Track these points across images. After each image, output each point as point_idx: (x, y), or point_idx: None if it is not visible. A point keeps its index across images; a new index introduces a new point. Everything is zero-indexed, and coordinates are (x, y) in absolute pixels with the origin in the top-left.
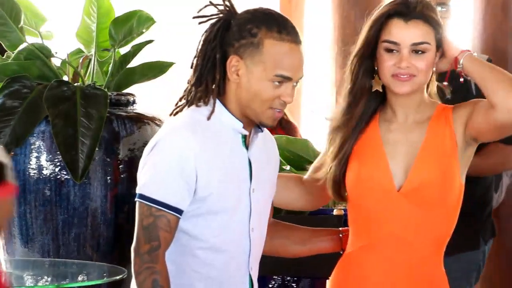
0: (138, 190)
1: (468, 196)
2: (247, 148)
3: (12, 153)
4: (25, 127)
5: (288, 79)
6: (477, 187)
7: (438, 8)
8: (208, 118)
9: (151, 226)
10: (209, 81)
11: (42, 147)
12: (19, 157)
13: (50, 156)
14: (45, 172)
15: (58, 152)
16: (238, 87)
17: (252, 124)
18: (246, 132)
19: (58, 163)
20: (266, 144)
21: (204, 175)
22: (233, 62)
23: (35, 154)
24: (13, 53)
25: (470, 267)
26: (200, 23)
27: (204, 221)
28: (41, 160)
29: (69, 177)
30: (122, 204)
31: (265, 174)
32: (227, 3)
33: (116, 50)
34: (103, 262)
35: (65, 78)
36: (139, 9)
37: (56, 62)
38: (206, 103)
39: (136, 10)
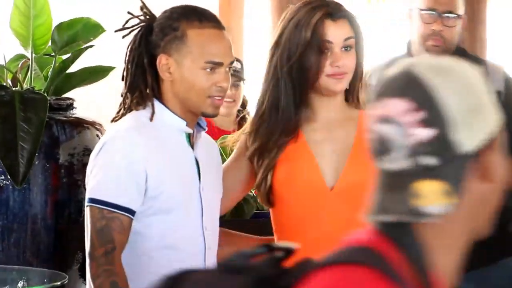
0: (88, 195)
1: None
2: (192, 147)
3: None
4: None
5: (219, 64)
6: None
7: (445, 16)
8: (151, 119)
9: (105, 229)
10: (142, 86)
11: None
12: None
13: None
14: None
15: None
16: (173, 84)
17: (195, 121)
18: (191, 130)
19: None
20: (209, 146)
21: (154, 174)
22: (162, 61)
23: None
24: None
25: None
26: (123, 36)
27: (157, 221)
28: None
29: (8, 183)
30: (62, 210)
31: (212, 174)
32: (145, 10)
33: (57, 56)
34: (43, 267)
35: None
36: (87, 17)
37: None
38: (144, 107)
39: (82, 17)
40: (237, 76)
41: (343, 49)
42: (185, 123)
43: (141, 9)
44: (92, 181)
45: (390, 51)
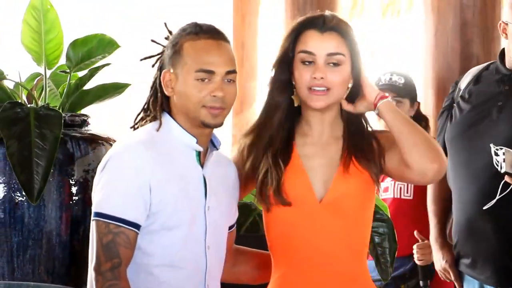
0: (94, 209)
1: None
2: (202, 165)
3: None
4: None
5: (210, 72)
6: None
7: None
8: (157, 130)
9: (111, 244)
10: (151, 102)
11: None
12: None
13: (4, 178)
14: None
15: (13, 174)
16: (176, 98)
17: (207, 139)
18: (200, 148)
19: (13, 185)
20: (223, 166)
21: (158, 190)
22: (166, 77)
23: None
24: None
25: None
26: (153, 65)
27: (158, 237)
28: None
29: (23, 199)
30: (77, 226)
31: (221, 194)
32: (168, 35)
33: (73, 73)
34: (58, 284)
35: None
36: (101, 33)
37: (10, 84)
38: (155, 121)
39: (97, 34)
40: None
41: (331, 64)
42: (195, 140)
43: (166, 38)
44: (98, 195)
45: (404, 65)
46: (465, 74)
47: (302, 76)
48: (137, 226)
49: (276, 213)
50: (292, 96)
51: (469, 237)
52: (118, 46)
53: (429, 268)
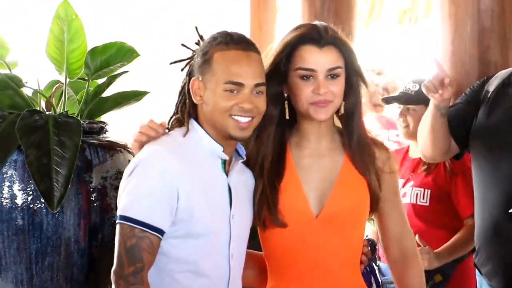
0: (119, 212)
1: None
2: (226, 174)
3: None
4: None
5: (239, 85)
6: None
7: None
8: (184, 136)
9: (135, 248)
10: (180, 108)
11: (14, 176)
12: None
13: (23, 185)
14: (17, 201)
15: (31, 181)
16: (204, 107)
17: (232, 148)
18: (226, 157)
19: (31, 192)
20: (246, 176)
21: (185, 197)
22: (194, 85)
23: (7, 184)
24: None
25: None
26: (182, 69)
27: (184, 244)
28: (14, 189)
29: (42, 206)
30: (95, 233)
31: (244, 203)
32: (199, 39)
33: (91, 80)
34: None
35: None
36: (120, 41)
37: (28, 92)
38: (183, 128)
39: (116, 42)
40: None
41: (328, 77)
42: (221, 148)
43: (197, 43)
44: (125, 199)
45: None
46: (493, 77)
47: (303, 91)
48: (161, 232)
49: (272, 228)
50: (284, 108)
51: (493, 240)
52: (138, 55)
53: (430, 273)
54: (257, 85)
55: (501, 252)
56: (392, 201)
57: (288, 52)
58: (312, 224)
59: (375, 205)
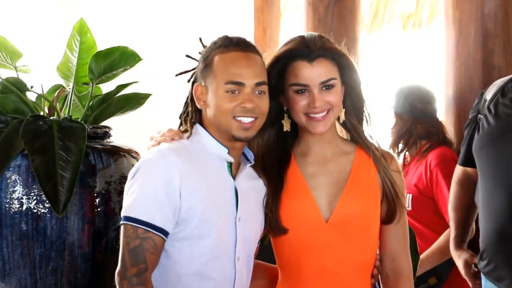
0: (123, 213)
1: None
2: (234, 177)
3: None
4: (1, 162)
5: (240, 84)
6: None
7: None
8: (188, 138)
9: (138, 249)
10: (184, 113)
11: (18, 181)
12: None
13: (27, 190)
14: (21, 206)
15: (35, 186)
16: (208, 111)
17: (239, 151)
18: (231, 159)
19: (35, 197)
20: (256, 180)
21: (187, 197)
22: (198, 91)
23: (11, 188)
24: None
25: None
26: (188, 80)
27: (189, 246)
28: (18, 194)
29: (46, 211)
30: (99, 238)
31: (253, 207)
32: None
33: (95, 85)
34: None
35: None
36: (123, 45)
37: (32, 96)
38: (189, 132)
39: (119, 46)
40: None
41: (323, 88)
42: (226, 150)
43: (200, 53)
44: (129, 200)
45: (425, 76)
46: (490, 85)
47: (298, 104)
48: (164, 233)
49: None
50: (283, 121)
51: (499, 244)
52: (140, 59)
53: (425, 276)
54: (258, 84)
55: (508, 254)
56: (399, 213)
57: (280, 68)
58: (322, 229)
59: (392, 208)
